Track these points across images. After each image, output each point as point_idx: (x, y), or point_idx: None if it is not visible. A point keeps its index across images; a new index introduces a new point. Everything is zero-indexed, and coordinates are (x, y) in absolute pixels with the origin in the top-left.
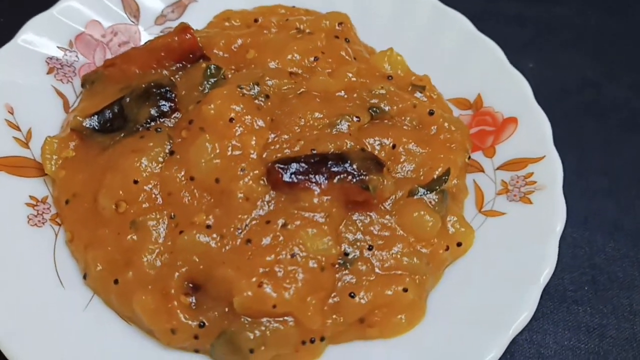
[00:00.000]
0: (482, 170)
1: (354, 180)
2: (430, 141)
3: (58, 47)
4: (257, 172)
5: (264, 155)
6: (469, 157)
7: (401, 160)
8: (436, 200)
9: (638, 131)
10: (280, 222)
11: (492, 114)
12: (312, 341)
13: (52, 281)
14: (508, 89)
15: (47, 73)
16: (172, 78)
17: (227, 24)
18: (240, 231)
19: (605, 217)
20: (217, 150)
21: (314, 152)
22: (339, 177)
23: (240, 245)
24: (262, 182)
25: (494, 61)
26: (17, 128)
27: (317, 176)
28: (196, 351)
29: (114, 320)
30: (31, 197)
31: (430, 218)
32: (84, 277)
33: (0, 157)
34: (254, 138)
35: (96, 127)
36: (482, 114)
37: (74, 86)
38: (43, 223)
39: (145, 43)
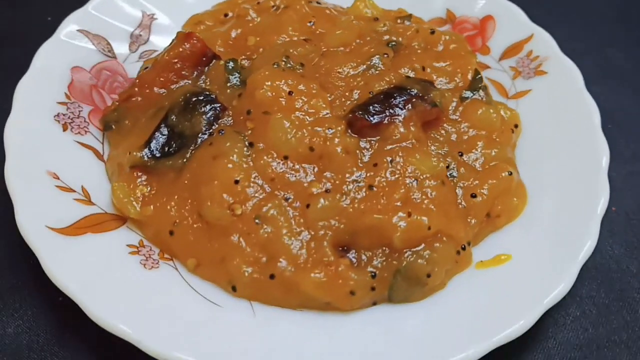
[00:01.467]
0: (489, 67)
1: (423, 101)
2: (445, 55)
3: (58, 102)
4: (340, 127)
5: (334, 113)
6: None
7: (434, 77)
8: (483, 96)
9: None
10: (388, 159)
11: (468, 21)
12: (463, 248)
13: (208, 306)
14: None
15: (64, 131)
16: (199, 84)
17: (201, 27)
18: (357, 182)
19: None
20: (297, 123)
21: (372, 94)
22: (410, 104)
23: (367, 193)
24: (348, 134)
25: None
26: (72, 190)
27: (393, 109)
28: (374, 304)
29: (282, 315)
30: (129, 245)
31: (491, 110)
32: (234, 289)
33: (76, 222)
34: (320, 100)
35: (157, 155)
36: (459, 23)
37: (93, 134)
38: (158, 263)
39: (145, 69)
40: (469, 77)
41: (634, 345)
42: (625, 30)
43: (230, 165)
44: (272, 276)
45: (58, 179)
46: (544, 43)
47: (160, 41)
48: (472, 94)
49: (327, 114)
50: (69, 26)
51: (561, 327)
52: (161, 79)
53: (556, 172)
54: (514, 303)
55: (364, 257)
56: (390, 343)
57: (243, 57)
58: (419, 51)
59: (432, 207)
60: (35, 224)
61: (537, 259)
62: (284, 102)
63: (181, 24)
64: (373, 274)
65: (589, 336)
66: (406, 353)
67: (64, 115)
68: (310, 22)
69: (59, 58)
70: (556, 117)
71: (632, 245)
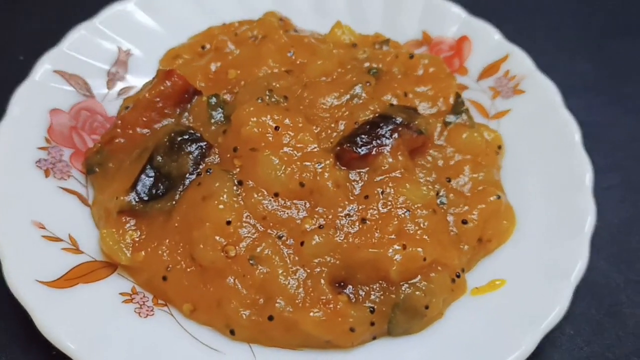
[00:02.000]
0: (467, 87)
1: (409, 129)
2: (426, 79)
3: (38, 148)
4: (329, 161)
5: (321, 146)
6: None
7: (417, 103)
8: (466, 119)
9: None
10: (378, 190)
11: (444, 42)
12: (458, 276)
13: (207, 353)
14: (444, 16)
15: (46, 177)
16: (182, 122)
17: (179, 61)
18: (350, 216)
19: None
20: (285, 159)
21: (357, 124)
22: (396, 133)
23: (361, 227)
24: (337, 167)
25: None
26: (59, 239)
27: (380, 139)
28: (374, 338)
29: (283, 356)
30: (121, 294)
31: (476, 134)
32: (232, 332)
33: (66, 273)
34: (307, 134)
35: (145, 198)
36: (436, 45)
37: (76, 178)
38: (152, 310)
39: (126, 108)
40: (451, 100)
41: None
42: (593, 39)
43: (221, 206)
44: (270, 317)
45: (44, 228)
46: (520, 62)
47: (139, 77)
48: (455, 118)
49: (315, 147)
50: (43, 67)
51: (557, 347)
52: (144, 118)
53: (542, 192)
54: (513, 329)
55: (361, 292)
56: None
57: (225, 91)
58: (399, 77)
59: (426, 237)
60: (24, 278)
61: (531, 283)
62: (271, 138)
63: (157, 58)
64: (372, 309)
65: (584, 354)
66: None
67: (45, 160)
68: (289, 52)
69: (36, 101)
70: (537, 136)
71: (617, 258)
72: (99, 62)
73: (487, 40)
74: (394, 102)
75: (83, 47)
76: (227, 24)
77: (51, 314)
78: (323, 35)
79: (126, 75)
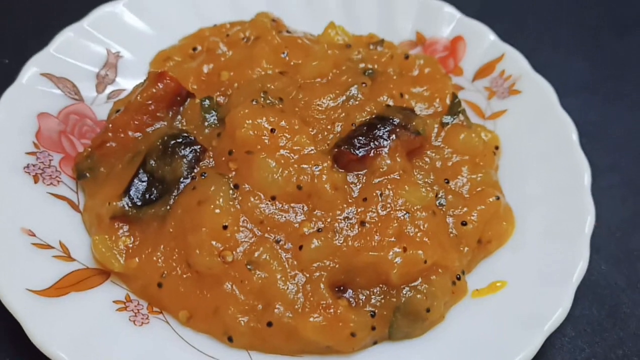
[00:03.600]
0: (463, 88)
1: (407, 130)
2: (421, 80)
3: (27, 153)
4: (327, 163)
5: (318, 149)
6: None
7: (413, 103)
8: (463, 119)
9: None
10: (377, 192)
11: (438, 42)
12: (458, 278)
13: None
14: (438, 16)
15: (35, 183)
16: (175, 125)
17: (170, 63)
18: (349, 219)
19: None
20: (282, 161)
21: (354, 126)
22: (394, 134)
23: (360, 230)
24: (334, 169)
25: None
26: (50, 246)
27: (378, 141)
28: (374, 343)
29: None
30: (115, 302)
31: (473, 135)
32: (230, 340)
33: (57, 282)
34: (303, 136)
35: (138, 204)
36: (430, 45)
37: (66, 184)
38: (147, 318)
39: (116, 111)
40: (447, 101)
41: None
42: (588, 37)
43: (217, 211)
44: (269, 324)
45: (34, 235)
46: (515, 62)
47: (128, 80)
48: (452, 119)
49: (312, 150)
50: (30, 70)
51: (559, 349)
52: (135, 122)
53: (540, 192)
54: (515, 332)
55: (361, 296)
56: None
57: (217, 93)
58: (394, 77)
59: (426, 239)
60: (14, 288)
61: (532, 284)
62: (267, 141)
63: (148, 60)
64: (372, 313)
65: (586, 356)
66: None
67: (34, 166)
68: (283, 53)
69: (23, 106)
70: (534, 136)
71: (618, 259)
72: (88, 65)
73: (482, 40)
74: (390, 103)
75: (71, 50)
76: (218, 25)
77: (43, 324)
78: (316, 36)
79: (116, 78)
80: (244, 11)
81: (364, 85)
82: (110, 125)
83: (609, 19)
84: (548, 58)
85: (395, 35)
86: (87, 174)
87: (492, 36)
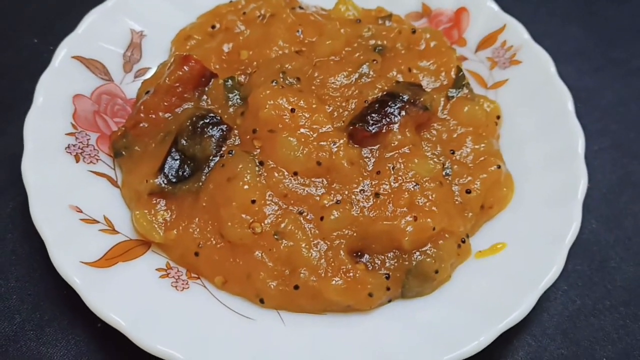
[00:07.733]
0: (466, 58)
1: (415, 106)
2: (428, 53)
3: (66, 134)
4: (343, 140)
5: (334, 126)
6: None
7: (420, 78)
8: (467, 92)
9: None
10: (389, 166)
11: (443, 13)
12: (463, 241)
13: (240, 320)
14: None
15: (77, 162)
16: (201, 105)
17: (191, 42)
18: (364, 192)
19: None
20: (303, 139)
21: (367, 103)
22: (404, 110)
23: (375, 201)
24: (350, 145)
25: None
26: (96, 221)
27: (389, 117)
28: (389, 301)
29: (309, 320)
30: (157, 269)
31: (477, 107)
32: (261, 301)
33: (106, 254)
34: (321, 115)
35: (173, 180)
36: (435, 16)
37: (104, 162)
38: (187, 284)
39: (146, 92)
40: (452, 74)
41: (615, 311)
42: (583, 4)
43: (245, 187)
44: (296, 287)
45: (81, 212)
46: (516, 32)
47: (152, 58)
48: (457, 92)
49: (329, 128)
50: (62, 53)
51: (553, 302)
52: (165, 103)
53: (537, 159)
54: (514, 289)
55: (377, 260)
56: (407, 334)
57: (238, 72)
58: (403, 52)
59: (435, 208)
60: (70, 261)
61: (529, 246)
62: (287, 120)
63: (168, 38)
64: (387, 275)
65: (577, 307)
66: (423, 342)
67: (74, 146)
68: (298, 31)
69: (59, 89)
70: (533, 105)
71: (607, 218)
72: (114, 46)
73: (485, 11)
74: (400, 78)
75: (98, 31)
76: (233, 1)
77: (98, 293)
78: (327, 11)
79: (141, 57)
80: None
81: (374, 62)
82: (142, 107)
83: None
84: (545, 25)
85: (402, 7)
86: (123, 152)
87: (494, 6)
